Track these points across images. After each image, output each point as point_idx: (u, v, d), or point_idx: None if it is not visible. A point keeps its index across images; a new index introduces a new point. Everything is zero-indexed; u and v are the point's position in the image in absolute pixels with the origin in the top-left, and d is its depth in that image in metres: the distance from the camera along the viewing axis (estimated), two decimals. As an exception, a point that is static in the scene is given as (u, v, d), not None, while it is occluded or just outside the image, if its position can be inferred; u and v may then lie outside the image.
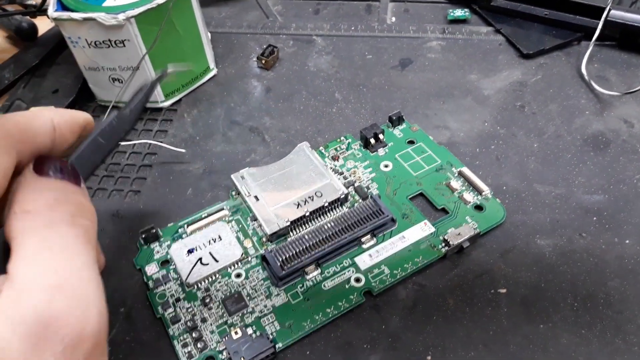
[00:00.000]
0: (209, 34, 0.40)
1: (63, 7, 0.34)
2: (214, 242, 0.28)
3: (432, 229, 0.28)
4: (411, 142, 0.32)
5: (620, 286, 0.26)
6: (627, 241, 0.27)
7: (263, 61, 0.39)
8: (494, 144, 0.33)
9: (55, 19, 0.33)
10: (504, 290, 0.26)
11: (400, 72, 0.38)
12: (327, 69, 0.39)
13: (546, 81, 0.37)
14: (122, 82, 0.36)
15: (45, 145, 0.21)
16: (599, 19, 0.38)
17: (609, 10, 0.38)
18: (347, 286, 0.26)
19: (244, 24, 0.44)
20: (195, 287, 0.26)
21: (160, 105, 0.37)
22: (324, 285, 0.26)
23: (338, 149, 0.32)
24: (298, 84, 0.38)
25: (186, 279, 0.26)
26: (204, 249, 0.27)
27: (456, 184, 0.30)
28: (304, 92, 0.38)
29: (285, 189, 0.29)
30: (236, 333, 0.24)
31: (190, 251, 0.27)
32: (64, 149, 0.22)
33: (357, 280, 0.26)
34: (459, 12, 0.42)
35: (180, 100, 0.38)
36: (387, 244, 0.27)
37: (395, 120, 0.33)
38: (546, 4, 0.41)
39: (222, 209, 0.30)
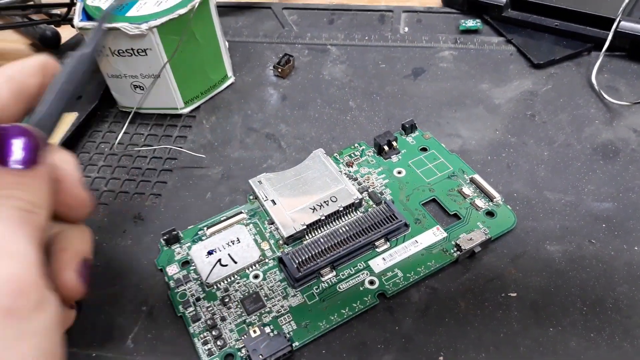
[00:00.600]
0: (227, 43, 0.41)
1: (88, 17, 0.35)
2: (233, 244, 0.29)
3: (445, 234, 0.28)
4: (424, 150, 0.33)
5: (628, 292, 0.26)
6: (636, 248, 0.28)
7: (279, 70, 0.40)
8: (505, 152, 0.34)
9: (80, 29, 0.34)
10: (514, 294, 0.27)
11: (413, 81, 0.39)
12: (341, 78, 0.40)
13: (556, 91, 0.37)
14: (143, 89, 0.37)
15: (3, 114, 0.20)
16: (609, 30, 0.39)
17: (619, 21, 0.39)
18: (361, 288, 0.27)
19: (261, 34, 0.45)
20: (215, 287, 0.27)
21: (180, 112, 0.38)
22: (339, 287, 0.27)
23: (352, 155, 0.33)
24: (313, 92, 0.39)
25: (206, 279, 0.27)
26: (223, 250, 0.28)
27: (468, 190, 0.30)
28: (319, 100, 0.39)
29: (301, 193, 0.30)
30: (254, 332, 0.25)
31: (210, 252, 0.28)
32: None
33: (371, 282, 0.27)
34: (470, 23, 0.43)
35: (199, 107, 0.39)
36: (400, 248, 0.28)
37: (408, 128, 0.34)
38: (557, 15, 0.42)
39: (241, 212, 0.31)
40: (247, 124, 0.37)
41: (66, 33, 0.46)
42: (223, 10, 0.47)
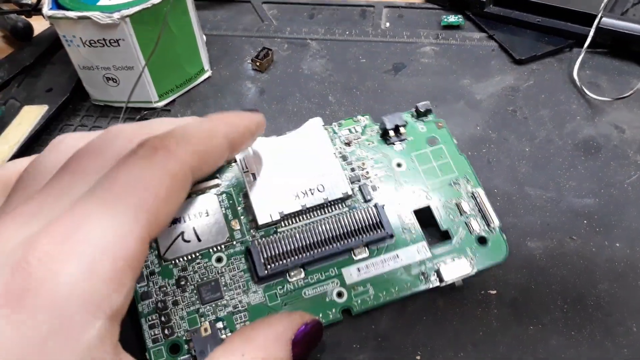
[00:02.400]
0: (204, 37, 0.40)
1: (58, 6, 0.34)
2: (200, 216, 0.26)
3: (429, 254, 0.25)
4: (432, 142, 0.29)
5: (610, 289, 0.26)
6: (617, 244, 0.28)
7: (257, 63, 0.40)
8: (485, 147, 0.33)
9: (50, 17, 0.33)
10: (494, 292, 0.26)
11: (394, 76, 0.39)
12: (321, 72, 0.39)
13: (538, 87, 0.37)
14: (116, 81, 0.36)
15: (218, 165, 0.21)
16: (591, 26, 0.38)
17: (601, 17, 0.38)
18: (327, 299, 0.24)
19: (240, 27, 0.44)
20: (172, 263, 0.25)
21: (154, 105, 0.37)
22: (305, 293, 0.24)
23: (352, 130, 0.29)
24: (292, 87, 0.38)
25: (164, 254, 0.25)
26: (188, 222, 0.25)
27: (467, 206, 0.27)
28: (298, 94, 0.38)
29: (287, 170, 0.26)
30: (205, 330, 0.23)
31: (173, 221, 0.25)
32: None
33: (339, 294, 0.24)
34: (452, 18, 0.42)
35: (174, 100, 0.38)
36: (379, 260, 0.25)
37: (422, 112, 0.29)
38: (539, 11, 0.41)
39: (216, 178, 0.27)
40: (224, 118, 0.36)
41: (39, 25, 0.44)
42: (202, 3, 0.46)
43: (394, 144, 0.28)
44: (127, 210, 0.16)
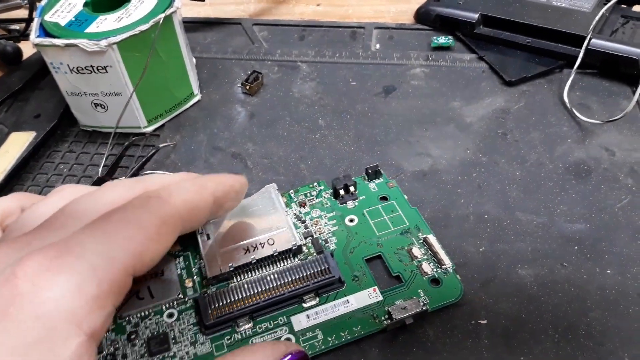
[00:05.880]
0: (194, 59, 0.40)
1: (46, 33, 0.34)
2: (156, 276, 0.27)
3: (380, 298, 0.26)
4: (384, 199, 0.30)
5: (601, 317, 0.26)
6: (609, 271, 0.27)
7: (247, 87, 0.39)
8: (476, 171, 0.33)
9: (37, 45, 0.33)
10: (484, 322, 0.26)
11: (384, 98, 0.39)
12: (311, 95, 0.39)
13: (529, 108, 0.37)
14: (104, 107, 0.36)
15: (204, 220, 0.22)
16: (581, 48, 0.38)
17: (590, 39, 0.38)
18: None
19: (230, 50, 0.44)
20: (126, 320, 0.25)
21: (143, 130, 0.37)
22: (253, 341, 0.24)
23: (308, 195, 0.31)
24: (282, 110, 0.38)
25: (118, 311, 0.25)
26: (144, 282, 0.26)
27: (418, 251, 0.27)
28: (288, 118, 0.38)
29: (240, 230, 0.27)
30: None
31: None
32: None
33: (287, 341, 0.24)
34: (442, 40, 0.43)
35: (163, 125, 0.38)
36: (329, 306, 0.25)
37: (372, 174, 0.31)
38: (529, 32, 0.41)
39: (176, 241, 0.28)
40: (213, 142, 0.36)
41: (28, 49, 0.44)
42: (191, 25, 0.46)
43: (346, 203, 0.30)
44: (117, 242, 0.18)
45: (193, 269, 0.27)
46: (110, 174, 0.34)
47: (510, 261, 0.28)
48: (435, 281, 0.26)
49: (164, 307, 0.26)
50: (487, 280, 0.27)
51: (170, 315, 0.25)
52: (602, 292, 0.27)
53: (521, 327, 0.25)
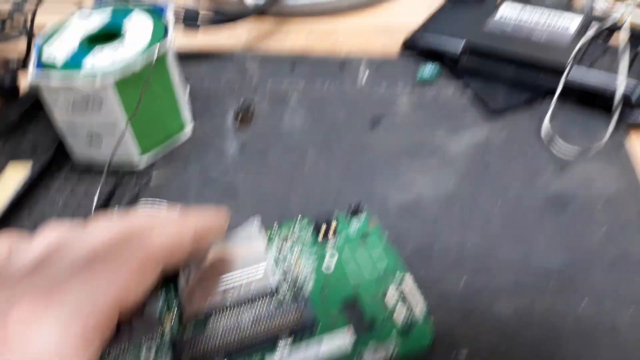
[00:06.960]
0: (188, 89, 0.41)
1: (43, 65, 0.35)
2: (137, 310, 0.26)
3: (352, 341, 0.26)
4: (364, 238, 0.31)
5: (579, 349, 0.27)
6: (583, 304, 0.28)
7: (239, 119, 0.41)
8: (457, 205, 0.34)
9: (32, 85, 0.34)
10: (465, 352, 0.27)
11: (371, 130, 0.40)
12: (301, 127, 0.40)
13: (510, 140, 0.38)
14: (98, 141, 0.37)
15: (185, 256, 0.24)
16: (560, 78, 0.40)
17: (570, 69, 0.40)
18: None
19: (222, 81, 0.45)
20: (107, 352, 0.26)
21: (136, 164, 0.38)
22: None
23: (291, 229, 0.31)
24: (273, 141, 0.39)
25: (109, 345, 0.25)
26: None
27: (392, 296, 0.28)
28: (278, 149, 0.39)
29: (220, 266, 0.28)
30: None
31: None
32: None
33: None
34: (427, 73, 0.44)
35: (155, 158, 0.39)
36: (302, 346, 0.26)
37: (354, 211, 0.32)
38: (511, 62, 0.43)
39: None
40: (204, 175, 0.37)
41: (26, 83, 0.45)
42: (184, 58, 0.48)
43: (327, 240, 0.31)
44: (100, 284, 0.20)
45: (174, 304, 0.28)
46: (103, 208, 0.35)
47: (491, 294, 0.29)
48: (406, 326, 0.27)
49: (143, 342, 0.26)
50: (467, 313, 0.28)
51: (149, 349, 0.26)
52: (577, 325, 0.28)
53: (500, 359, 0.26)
